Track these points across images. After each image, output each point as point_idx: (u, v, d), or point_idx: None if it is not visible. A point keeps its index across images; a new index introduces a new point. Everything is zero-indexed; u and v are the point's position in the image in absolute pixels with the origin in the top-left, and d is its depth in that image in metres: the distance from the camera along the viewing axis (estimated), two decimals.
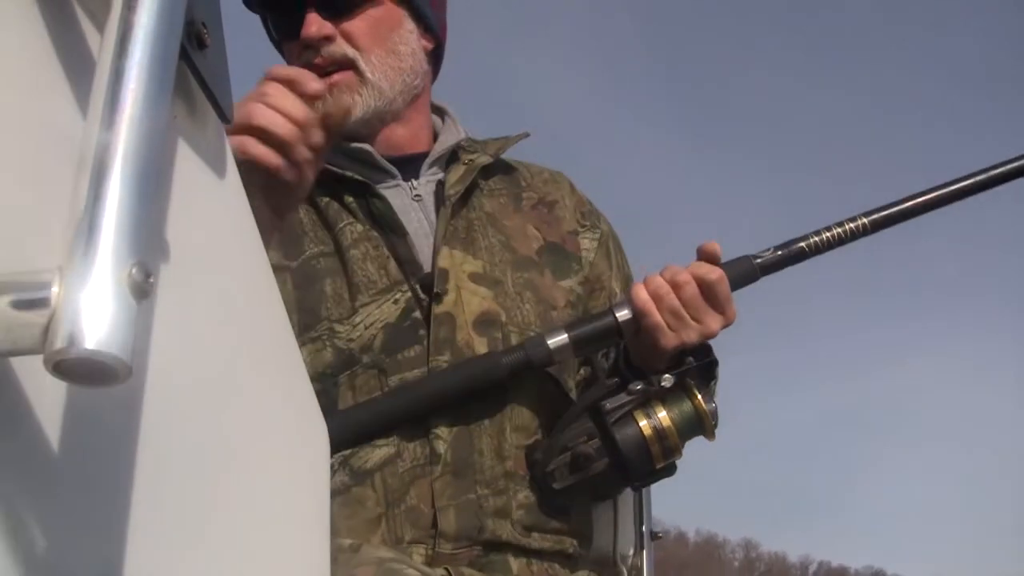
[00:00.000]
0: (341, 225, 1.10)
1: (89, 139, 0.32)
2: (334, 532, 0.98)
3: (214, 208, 0.50)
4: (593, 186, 1.32)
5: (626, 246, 1.32)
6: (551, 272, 1.17)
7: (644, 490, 2.20)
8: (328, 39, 1.11)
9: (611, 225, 1.30)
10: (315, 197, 1.11)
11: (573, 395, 1.16)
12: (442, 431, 1.04)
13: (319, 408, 0.65)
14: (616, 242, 1.30)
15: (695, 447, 1.07)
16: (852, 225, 1.10)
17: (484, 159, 1.19)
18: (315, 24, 1.11)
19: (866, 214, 1.11)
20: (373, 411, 1.02)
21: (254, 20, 1.20)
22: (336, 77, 1.12)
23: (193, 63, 0.44)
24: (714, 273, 1.02)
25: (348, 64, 1.12)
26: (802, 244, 1.09)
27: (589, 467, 1.03)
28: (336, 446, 1.00)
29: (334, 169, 1.10)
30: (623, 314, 1.05)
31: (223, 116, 0.49)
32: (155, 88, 0.34)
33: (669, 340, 1.02)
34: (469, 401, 1.04)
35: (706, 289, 1.02)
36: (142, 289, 0.31)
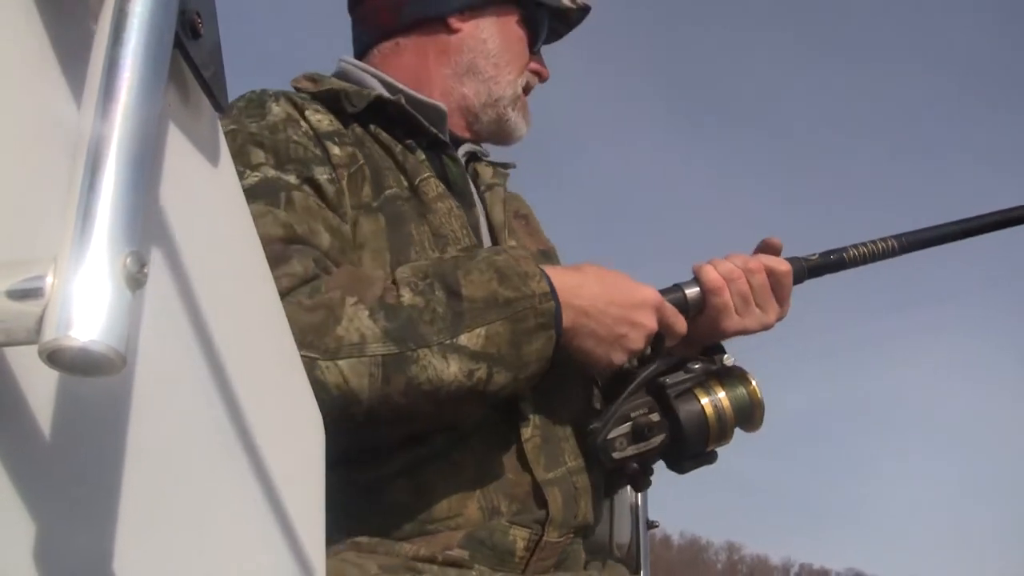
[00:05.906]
0: (423, 176, 1.07)
1: (84, 129, 0.32)
2: (430, 498, 0.95)
3: (208, 197, 0.50)
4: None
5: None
6: None
7: None
8: None
9: None
10: (388, 137, 1.08)
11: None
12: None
13: (315, 398, 0.65)
14: None
15: None
16: (883, 244, 1.17)
17: (505, 176, 1.22)
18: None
19: (895, 237, 1.18)
20: None
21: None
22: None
23: (187, 52, 0.44)
24: (784, 265, 1.07)
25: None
26: (843, 254, 1.15)
27: (651, 439, 1.02)
28: None
29: (412, 112, 1.08)
30: (692, 292, 1.05)
31: (217, 105, 0.49)
32: (150, 77, 0.34)
33: (732, 323, 1.04)
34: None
35: (775, 279, 1.06)
36: (136, 279, 0.31)
